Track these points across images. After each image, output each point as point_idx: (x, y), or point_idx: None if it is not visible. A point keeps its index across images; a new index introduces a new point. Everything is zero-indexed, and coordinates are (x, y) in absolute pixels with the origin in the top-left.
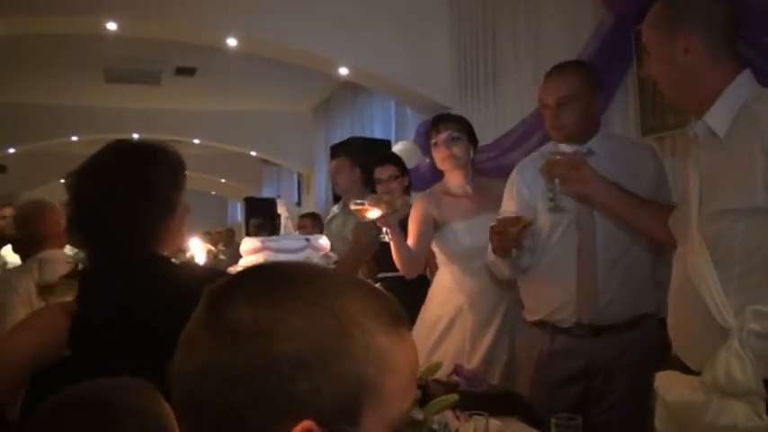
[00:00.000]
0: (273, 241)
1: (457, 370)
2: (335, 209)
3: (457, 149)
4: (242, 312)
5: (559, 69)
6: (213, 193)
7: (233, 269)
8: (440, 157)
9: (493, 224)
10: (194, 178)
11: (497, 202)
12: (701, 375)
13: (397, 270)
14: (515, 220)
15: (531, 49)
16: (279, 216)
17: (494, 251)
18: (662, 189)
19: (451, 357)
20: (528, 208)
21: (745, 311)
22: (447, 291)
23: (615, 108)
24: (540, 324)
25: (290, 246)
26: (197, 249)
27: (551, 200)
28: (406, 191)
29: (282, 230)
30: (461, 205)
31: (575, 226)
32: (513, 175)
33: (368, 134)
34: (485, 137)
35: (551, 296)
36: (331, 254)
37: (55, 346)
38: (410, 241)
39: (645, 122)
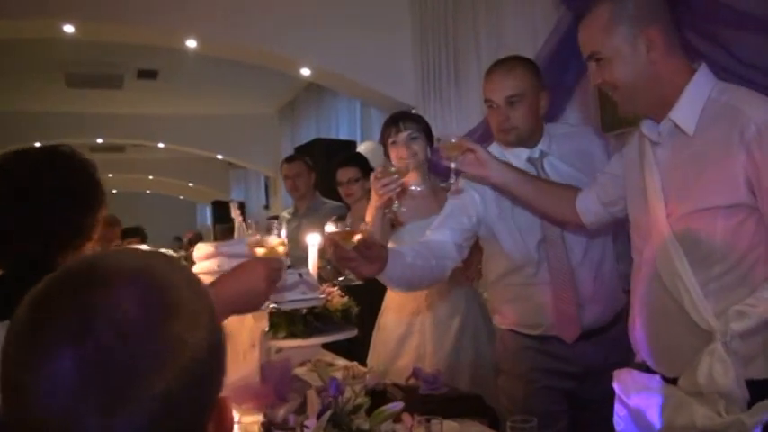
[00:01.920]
0: (227, 246)
1: (416, 373)
2: (286, 214)
3: (417, 147)
4: None
5: (505, 65)
6: (181, 197)
7: None
8: (399, 156)
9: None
10: (161, 182)
11: None
12: (679, 381)
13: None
14: (349, 233)
15: (491, 48)
16: (232, 220)
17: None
18: None
19: (413, 361)
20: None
21: (728, 312)
22: (403, 294)
23: (574, 106)
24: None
25: (244, 250)
26: None
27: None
28: (369, 193)
29: (236, 234)
30: (417, 206)
31: (544, 245)
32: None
33: (333, 135)
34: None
35: (531, 319)
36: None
37: None
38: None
39: (604, 119)
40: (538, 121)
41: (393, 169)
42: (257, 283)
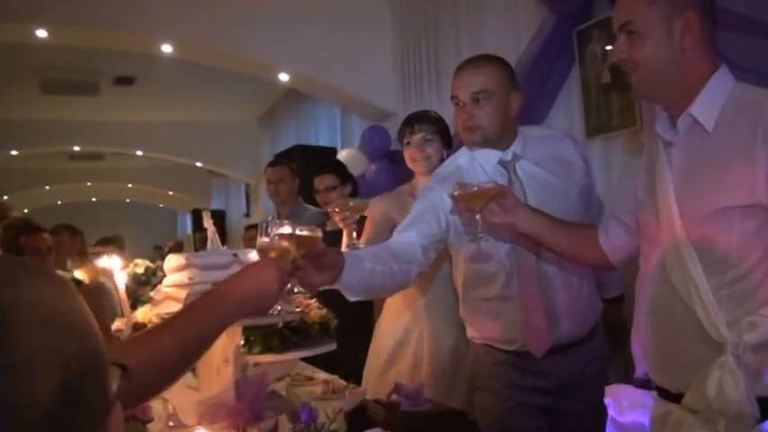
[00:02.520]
0: (199, 257)
1: (397, 389)
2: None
3: (431, 150)
4: None
5: (474, 62)
6: (161, 205)
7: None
8: (412, 158)
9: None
10: (140, 191)
11: None
12: (686, 395)
13: None
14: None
15: (473, 52)
16: (205, 230)
17: None
18: (590, 179)
19: (409, 373)
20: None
21: (741, 323)
22: (402, 302)
23: (558, 110)
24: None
25: (217, 261)
26: (116, 269)
27: (476, 239)
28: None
29: (209, 245)
30: None
31: (514, 253)
32: (434, 189)
33: (314, 142)
34: None
35: (506, 333)
36: None
37: None
38: (362, 241)
39: (589, 124)
40: (507, 122)
41: (351, 204)
42: (270, 284)
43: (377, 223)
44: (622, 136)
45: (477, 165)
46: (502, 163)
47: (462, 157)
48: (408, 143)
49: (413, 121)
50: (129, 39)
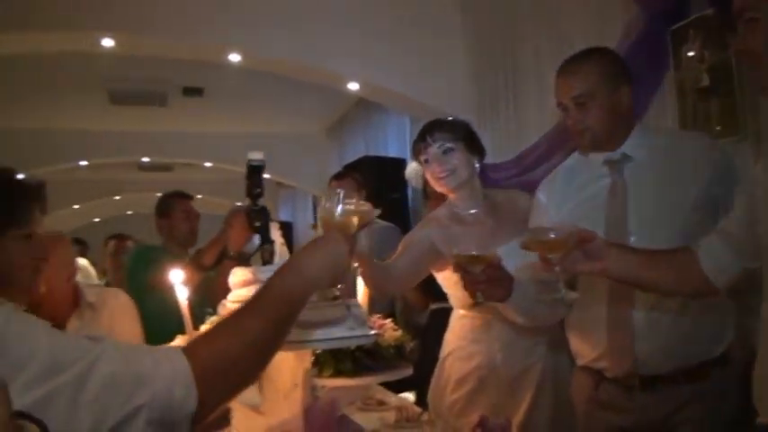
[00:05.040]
0: (266, 272)
1: (482, 423)
2: None
3: (454, 162)
4: None
5: (572, 63)
6: None
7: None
8: (433, 176)
9: (456, 254)
10: (208, 202)
11: (524, 220)
12: None
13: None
14: (474, 258)
15: (553, 54)
16: (273, 242)
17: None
18: (723, 190)
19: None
20: None
21: None
22: (471, 341)
23: (649, 117)
24: (586, 369)
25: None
26: (176, 282)
27: (558, 298)
28: None
29: (277, 257)
30: (474, 235)
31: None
32: (541, 199)
33: (382, 153)
34: (505, 153)
35: (588, 342)
36: (335, 289)
37: None
38: (394, 256)
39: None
40: (618, 120)
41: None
42: (343, 257)
43: (412, 244)
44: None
45: (584, 165)
46: (608, 163)
47: (572, 157)
48: (426, 160)
49: (424, 133)
50: (197, 49)
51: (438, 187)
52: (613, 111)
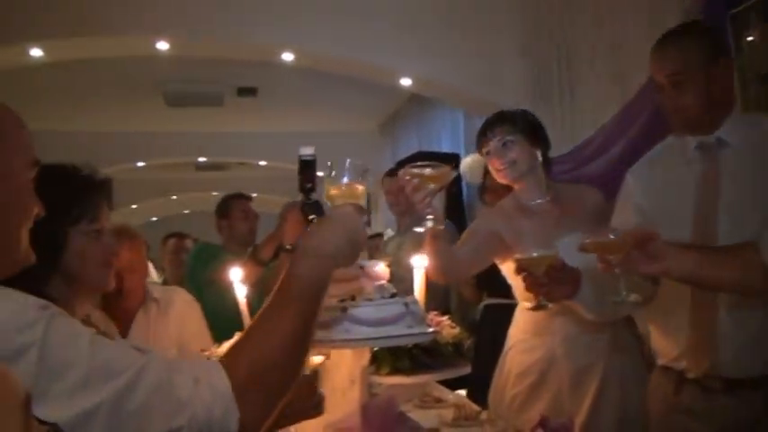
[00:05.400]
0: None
1: (543, 422)
2: (390, 231)
3: (514, 154)
4: None
5: (666, 39)
6: None
7: None
8: (495, 168)
9: (518, 257)
10: (265, 200)
11: (591, 213)
12: None
13: (505, 296)
14: (536, 260)
15: (608, 49)
16: None
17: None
18: None
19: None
20: (648, 224)
21: None
22: (533, 334)
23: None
24: (666, 370)
25: (343, 274)
26: (236, 280)
27: (618, 301)
28: None
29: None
30: (540, 226)
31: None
32: (629, 182)
33: (435, 148)
34: (561, 147)
35: (669, 339)
36: (387, 284)
37: None
38: (458, 244)
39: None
40: (718, 102)
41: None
42: (357, 228)
43: (478, 233)
44: None
45: (676, 148)
46: (701, 146)
47: (666, 140)
48: (488, 153)
49: (485, 126)
50: (250, 49)
51: (500, 179)
52: (710, 91)
